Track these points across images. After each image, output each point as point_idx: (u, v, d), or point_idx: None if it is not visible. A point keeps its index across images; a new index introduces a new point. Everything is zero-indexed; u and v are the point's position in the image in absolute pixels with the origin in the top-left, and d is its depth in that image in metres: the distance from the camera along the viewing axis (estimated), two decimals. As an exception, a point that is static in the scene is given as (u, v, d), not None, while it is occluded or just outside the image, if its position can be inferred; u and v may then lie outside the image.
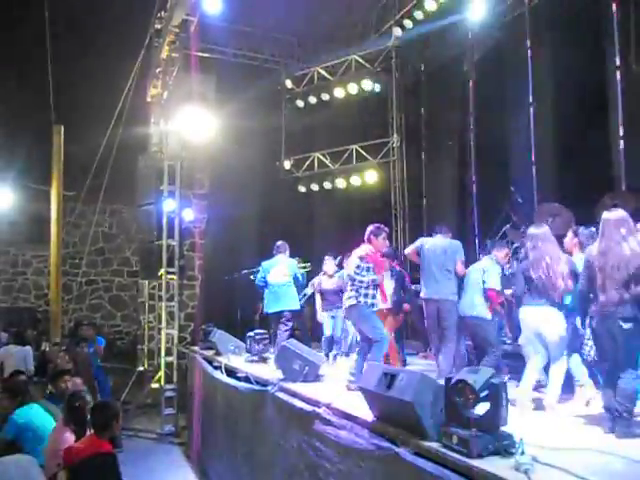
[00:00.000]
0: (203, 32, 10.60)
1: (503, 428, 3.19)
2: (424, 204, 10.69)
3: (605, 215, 3.95)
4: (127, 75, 10.62)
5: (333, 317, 7.42)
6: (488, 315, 5.22)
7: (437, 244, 5.60)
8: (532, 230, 4.56)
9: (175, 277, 9.33)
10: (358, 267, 5.33)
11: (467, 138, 9.70)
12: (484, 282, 5.17)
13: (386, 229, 5.54)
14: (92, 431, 4.10)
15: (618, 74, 7.23)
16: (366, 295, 5.30)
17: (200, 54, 10.58)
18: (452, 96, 10.18)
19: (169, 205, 9.34)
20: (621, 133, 7.13)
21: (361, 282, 5.26)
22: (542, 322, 4.38)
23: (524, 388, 4.51)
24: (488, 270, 5.23)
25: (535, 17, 8.48)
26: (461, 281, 5.45)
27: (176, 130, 9.68)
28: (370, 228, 5.54)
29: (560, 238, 5.44)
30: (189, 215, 10.84)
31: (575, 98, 7.71)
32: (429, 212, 10.37)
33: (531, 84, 8.50)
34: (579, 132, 7.61)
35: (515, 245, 6.46)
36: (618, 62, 7.24)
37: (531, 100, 8.49)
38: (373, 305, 5.33)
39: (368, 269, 5.34)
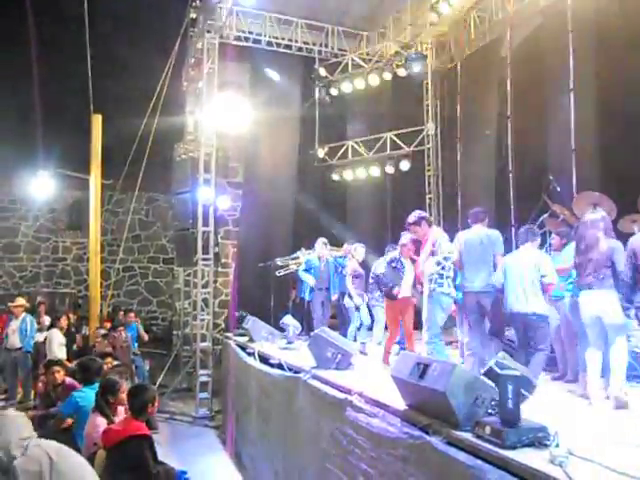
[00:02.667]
0: (238, 20, 10.65)
1: (538, 420, 3.15)
2: (459, 193, 10.54)
3: None
4: (164, 64, 10.78)
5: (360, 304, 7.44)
6: (547, 312, 5.04)
7: (474, 236, 5.49)
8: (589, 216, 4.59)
9: (210, 264, 9.48)
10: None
11: (504, 125, 9.50)
12: (543, 276, 4.93)
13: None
14: (129, 413, 4.23)
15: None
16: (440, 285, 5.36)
17: (235, 42, 10.63)
18: (489, 82, 9.96)
19: (204, 193, 9.46)
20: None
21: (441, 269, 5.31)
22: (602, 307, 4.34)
23: (596, 379, 4.45)
24: (541, 264, 5.00)
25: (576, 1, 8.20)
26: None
27: (211, 119, 9.77)
28: (417, 215, 5.65)
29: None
30: (224, 203, 10.97)
31: (618, 83, 7.45)
32: (464, 201, 10.20)
33: (572, 69, 8.24)
34: (622, 119, 7.36)
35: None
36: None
37: (572, 86, 8.24)
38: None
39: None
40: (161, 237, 16.79)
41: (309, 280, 8.01)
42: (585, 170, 7.89)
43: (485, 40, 10.13)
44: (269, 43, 10.88)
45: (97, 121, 11.31)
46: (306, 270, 8.11)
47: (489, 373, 3.37)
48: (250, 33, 10.74)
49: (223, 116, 10.05)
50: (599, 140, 7.83)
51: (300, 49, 11.14)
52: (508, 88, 9.48)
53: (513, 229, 8.56)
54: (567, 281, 5.28)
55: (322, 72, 11.06)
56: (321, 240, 8.09)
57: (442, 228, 10.35)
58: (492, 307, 5.35)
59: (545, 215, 6.58)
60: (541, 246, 5.69)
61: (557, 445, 2.97)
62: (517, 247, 5.36)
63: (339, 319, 8.21)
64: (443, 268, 5.35)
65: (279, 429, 5.92)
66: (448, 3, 9.45)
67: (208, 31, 9.82)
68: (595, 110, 7.93)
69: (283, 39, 10.98)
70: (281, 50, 10.98)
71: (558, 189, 6.80)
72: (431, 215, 10.70)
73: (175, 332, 12.48)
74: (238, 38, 10.65)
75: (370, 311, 7.59)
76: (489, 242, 5.38)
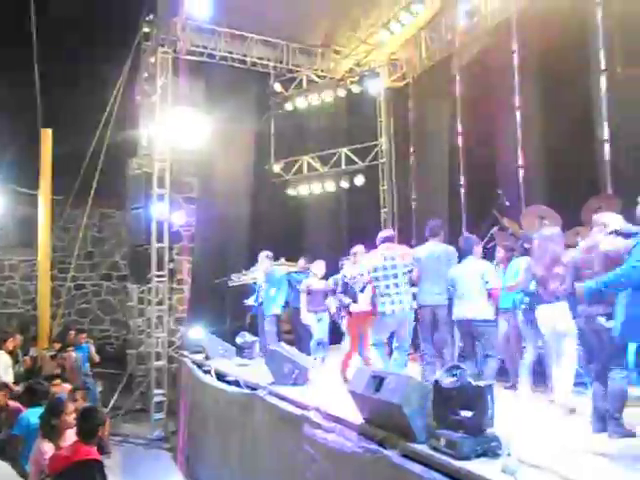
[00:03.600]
0: (192, 35, 10.60)
1: (491, 430, 3.22)
2: (413, 207, 10.72)
3: (595, 216, 4.16)
4: (116, 78, 10.61)
5: (319, 320, 7.41)
6: (493, 317, 5.32)
7: (430, 251, 5.60)
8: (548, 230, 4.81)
9: (164, 281, 9.31)
10: (407, 265, 5.50)
11: (455, 141, 9.75)
12: (487, 283, 5.20)
13: None
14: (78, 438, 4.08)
15: (603, 77, 7.31)
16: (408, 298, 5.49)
17: (189, 57, 10.57)
18: (440, 99, 10.22)
19: (158, 209, 9.34)
20: (606, 136, 7.20)
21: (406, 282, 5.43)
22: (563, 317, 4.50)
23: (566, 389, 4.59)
24: (485, 272, 5.26)
25: (521, 21, 8.55)
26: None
27: (165, 133, 9.67)
28: (389, 231, 6.01)
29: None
30: (178, 219, 10.82)
31: (561, 101, 7.78)
32: (418, 216, 10.39)
33: (517, 87, 8.56)
34: (565, 135, 7.68)
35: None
36: (603, 65, 7.31)
37: (517, 104, 8.55)
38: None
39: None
40: (114, 254, 16.35)
41: (249, 302, 8.00)
42: (532, 185, 8.19)
43: (435, 59, 10.41)
44: (223, 58, 10.86)
45: (47, 136, 11.01)
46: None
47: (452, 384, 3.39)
48: (204, 48, 10.70)
49: (177, 131, 9.96)
50: (544, 156, 8.14)
51: (255, 64, 11.17)
52: (458, 105, 9.75)
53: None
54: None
55: (277, 88, 11.12)
56: (264, 253, 8.01)
57: (397, 242, 10.58)
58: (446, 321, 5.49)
59: (495, 228, 6.77)
60: (487, 258, 5.89)
61: (509, 454, 3.04)
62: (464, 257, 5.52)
63: (295, 335, 8.17)
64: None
65: (236, 448, 5.83)
66: (400, 23, 9.68)
67: (161, 45, 9.74)
68: (540, 127, 8.26)
69: (238, 54, 10.99)
70: (236, 65, 10.98)
71: (507, 203, 7.01)
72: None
73: (129, 351, 12.15)
74: (192, 53, 10.59)
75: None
76: (445, 257, 5.49)
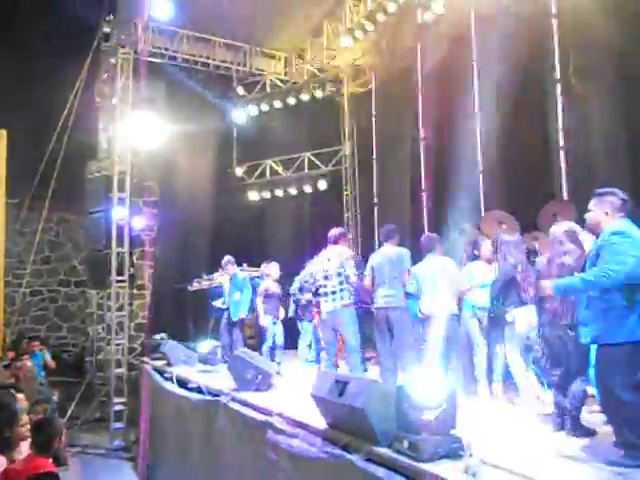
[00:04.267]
0: (154, 37, 10.46)
1: (453, 431, 3.26)
2: (376, 212, 10.83)
3: (552, 228, 4.18)
4: (75, 78, 10.35)
5: (274, 323, 7.39)
6: (457, 311, 5.40)
7: (384, 254, 5.66)
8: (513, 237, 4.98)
9: (125, 286, 9.12)
10: (342, 266, 5.52)
11: (417, 146, 9.90)
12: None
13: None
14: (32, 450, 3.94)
15: (558, 87, 7.54)
16: (350, 296, 5.52)
17: (150, 59, 10.42)
18: (402, 106, 10.37)
19: (119, 213, 9.15)
20: (561, 144, 7.43)
21: (347, 281, 5.45)
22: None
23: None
24: (449, 269, 5.37)
25: (480, 31, 8.76)
26: None
27: (125, 136, 9.49)
28: (339, 230, 5.83)
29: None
30: (139, 223, 10.63)
31: (519, 109, 8.00)
32: (381, 220, 10.49)
33: (477, 96, 8.76)
34: (523, 142, 7.91)
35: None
36: (558, 76, 7.55)
37: (477, 110, 8.75)
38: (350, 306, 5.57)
39: (351, 266, 5.57)
40: (72, 259, 15.90)
41: (218, 305, 7.90)
42: (491, 190, 8.38)
43: (398, 66, 10.54)
44: (185, 60, 10.75)
45: (2, 137, 10.65)
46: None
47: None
48: (166, 50, 10.57)
49: (138, 134, 9.79)
50: (503, 162, 8.35)
51: (218, 67, 11.10)
52: (420, 112, 9.90)
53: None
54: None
55: (240, 91, 11.08)
56: (227, 258, 7.94)
57: (360, 246, 10.67)
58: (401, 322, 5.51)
59: (457, 233, 6.89)
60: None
61: (471, 455, 3.08)
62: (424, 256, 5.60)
63: (257, 339, 8.12)
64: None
65: (198, 455, 5.75)
66: (363, 29, 9.78)
67: (122, 46, 9.57)
68: (498, 134, 8.47)
69: (201, 57, 10.89)
70: (198, 68, 10.88)
71: (467, 208, 7.16)
72: (350, 234, 10.93)
73: (88, 359, 11.84)
74: (153, 54, 10.44)
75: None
76: (398, 260, 5.54)
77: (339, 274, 5.54)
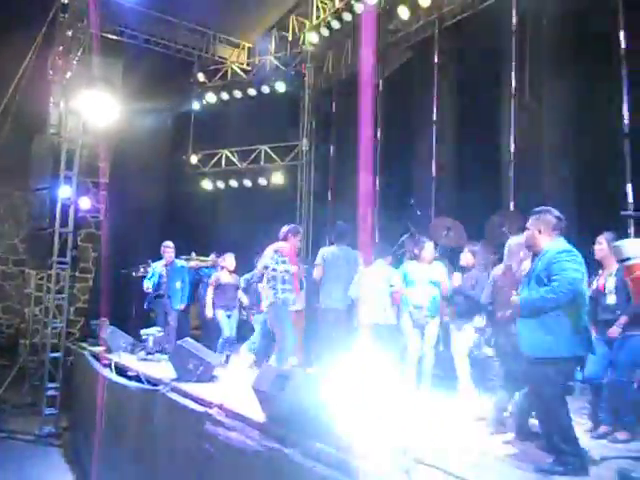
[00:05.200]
0: (114, 13, 10.13)
1: (388, 430, 3.33)
2: (329, 210, 10.87)
3: (510, 240, 4.31)
4: (28, 49, 9.90)
5: (229, 316, 7.33)
6: (395, 321, 5.39)
7: (335, 254, 5.70)
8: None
9: (66, 268, 8.82)
10: (272, 258, 5.48)
11: (374, 147, 9.99)
12: (391, 286, 5.32)
13: (301, 230, 5.73)
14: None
15: (513, 102, 7.78)
16: (283, 291, 5.43)
17: (108, 36, 10.10)
18: (362, 105, 10.42)
19: (65, 192, 8.84)
20: (512, 157, 7.67)
21: (274, 274, 5.39)
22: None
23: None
24: (391, 277, 5.40)
25: (443, 40, 8.93)
26: None
27: (77, 113, 9.16)
28: (288, 227, 5.73)
29: (452, 251, 5.81)
30: (86, 204, 10.30)
31: (474, 119, 8.23)
32: (334, 218, 10.53)
33: (435, 103, 8.93)
34: (476, 152, 8.14)
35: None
36: (514, 91, 7.78)
37: (435, 118, 8.91)
38: (286, 301, 5.45)
39: (284, 261, 5.49)
40: (13, 236, 15.23)
41: (145, 286, 7.68)
42: (443, 197, 8.57)
43: (360, 66, 10.59)
44: (146, 41, 10.48)
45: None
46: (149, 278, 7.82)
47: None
48: (126, 28, 10.27)
49: (91, 112, 9.46)
50: (455, 170, 8.56)
51: (179, 51, 10.88)
52: (379, 114, 9.99)
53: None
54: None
55: (200, 77, 10.90)
56: (163, 244, 7.79)
57: (312, 243, 10.69)
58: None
59: (405, 236, 6.98)
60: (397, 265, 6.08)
61: (405, 453, 3.15)
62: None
63: (203, 331, 8.02)
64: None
65: (134, 446, 5.62)
66: (329, 27, 9.81)
67: (80, 20, 9.22)
68: (452, 142, 8.68)
69: (162, 39, 10.64)
70: (159, 50, 10.62)
71: (418, 212, 7.28)
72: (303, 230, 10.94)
73: (22, 341, 11.40)
74: (113, 31, 10.13)
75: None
76: (348, 261, 5.59)
77: (274, 270, 5.50)
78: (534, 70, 7.61)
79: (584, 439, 3.72)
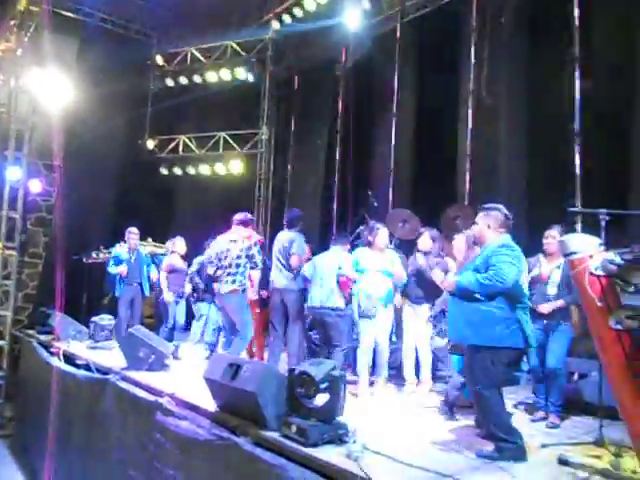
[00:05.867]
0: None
1: (340, 418, 3.36)
2: (287, 200, 10.83)
3: (468, 232, 4.43)
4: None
5: (177, 302, 7.24)
6: (343, 305, 5.33)
7: (280, 238, 5.69)
8: None
9: (14, 253, 8.52)
10: (249, 248, 5.42)
11: (334, 139, 10.01)
12: (339, 268, 5.28)
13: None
14: None
15: (470, 98, 7.91)
16: (242, 281, 5.40)
17: (63, 12, 9.73)
18: (323, 97, 10.44)
19: (13, 173, 8.53)
20: (468, 152, 7.81)
21: (239, 261, 5.36)
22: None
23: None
24: (342, 263, 5.35)
25: (405, 33, 8.99)
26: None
27: (28, 92, 8.81)
28: (244, 215, 5.68)
29: (408, 242, 5.88)
30: (36, 186, 9.95)
31: (433, 113, 8.34)
32: (291, 207, 10.50)
33: (396, 96, 8.99)
34: (434, 145, 8.27)
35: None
36: (472, 87, 7.92)
37: (394, 111, 8.98)
38: (245, 291, 5.46)
39: (259, 252, 5.50)
40: (-44, 218, 14.61)
41: (120, 270, 7.41)
42: (400, 189, 8.66)
43: (322, 57, 10.57)
44: (103, 20, 10.14)
45: None
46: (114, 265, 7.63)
47: (302, 374, 3.47)
48: (82, 5, 9.91)
49: (43, 91, 9.11)
50: (412, 163, 8.69)
51: (137, 32, 10.58)
52: (340, 105, 10.00)
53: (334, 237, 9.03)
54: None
55: (159, 60, 10.63)
56: (128, 230, 7.62)
57: (269, 232, 10.63)
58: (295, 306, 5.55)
59: (361, 227, 7.02)
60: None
61: (354, 441, 3.20)
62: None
63: (156, 318, 7.89)
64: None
65: (82, 436, 5.50)
66: (291, 14, 9.72)
67: (33, -6, 8.85)
68: (411, 136, 8.79)
69: (120, 19, 10.32)
70: (116, 30, 10.30)
71: (375, 204, 7.33)
72: (259, 219, 10.88)
73: (-36, 328, 10.95)
74: (68, 8, 9.75)
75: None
76: (290, 244, 5.55)
77: (238, 257, 5.44)
78: (492, 67, 7.75)
79: (527, 427, 3.87)
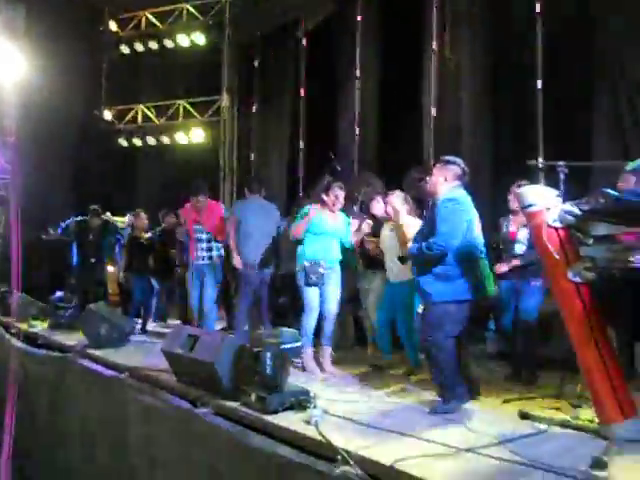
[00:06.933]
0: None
1: (300, 385, 3.32)
2: (252, 167, 10.60)
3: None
4: None
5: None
6: None
7: (251, 207, 5.41)
8: None
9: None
10: None
11: (297, 104, 9.78)
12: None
13: None
14: None
15: (433, 58, 7.77)
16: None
17: (6, -23, 9.19)
18: (285, 61, 10.14)
19: (-34, 151, 8.15)
20: (433, 113, 7.71)
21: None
22: None
23: None
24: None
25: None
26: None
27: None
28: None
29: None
30: (-9, 164, 9.55)
31: (396, 77, 8.18)
32: (257, 174, 10.31)
33: (358, 59, 8.79)
34: (398, 109, 8.12)
35: None
36: (435, 47, 7.77)
37: (358, 74, 8.79)
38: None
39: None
40: None
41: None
42: (365, 153, 8.55)
43: (283, 19, 10.23)
44: (50, -16, 9.63)
45: None
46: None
47: (257, 342, 3.41)
48: (26, -31, 9.38)
49: (-9, 64, 8.64)
50: (377, 128, 8.56)
51: (87, -4, 10.09)
52: (302, 69, 9.75)
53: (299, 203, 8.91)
54: None
55: (112, 26, 10.18)
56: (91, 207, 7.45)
57: (234, 201, 10.41)
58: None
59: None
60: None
61: (315, 407, 3.15)
62: None
63: (122, 296, 7.72)
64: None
65: (46, 416, 5.39)
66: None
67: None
68: (375, 99, 8.63)
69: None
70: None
71: (339, 168, 7.19)
72: (223, 188, 10.66)
73: None
74: (10, -28, 9.22)
75: None
76: (270, 214, 5.41)
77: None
78: (454, 26, 7.61)
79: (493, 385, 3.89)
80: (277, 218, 5.51)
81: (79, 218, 7.59)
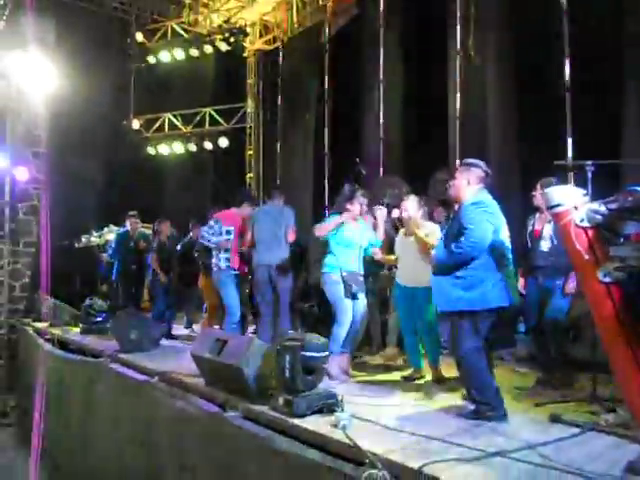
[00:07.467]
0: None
1: (329, 388, 3.32)
2: (279, 173, 10.68)
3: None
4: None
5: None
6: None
7: (267, 212, 5.41)
8: None
9: (4, 242, 8.44)
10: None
11: (323, 108, 9.82)
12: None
13: None
14: None
15: (458, 60, 7.71)
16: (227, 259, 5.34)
17: (37, -8, 9.44)
18: (309, 66, 10.21)
19: (-1, 161, 8.40)
20: (457, 114, 7.64)
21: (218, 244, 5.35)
22: None
23: None
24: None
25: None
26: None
27: (7, 76, 8.61)
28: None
29: (395, 208, 5.75)
30: (22, 174, 9.80)
31: (420, 80, 8.15)
32: (283, 182, 10.38)
33: (382, 63, 8.78)
34: (423, 112, 8.09)
35: None
36: (459, 48, 7.70)
37: (381, 78, 8.78)
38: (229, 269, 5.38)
39: (228, 232, 5.38)
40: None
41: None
42: (391, 157, 8.53)
43: (306, 24, 10.31)
44: (79, -2, 9.87)
45: None
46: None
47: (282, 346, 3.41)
48: (55, -16, 9.64)
49: (23, 75, 8.89)
50: (402, 131, 8.53)
51: (115, 9, 10.29)
52: (327, 73, 9.78)
53: (327, 210, 8.94)
54: None
55: (139, 37, 10.38)
56: (130, 214, 7.58)
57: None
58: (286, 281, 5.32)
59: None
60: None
61: (342, 410, 3.15)
62: None
63: (151, 299, 7.81)
64: None
65: (79, 418, 5.50)
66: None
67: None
68: (399, 103, 8.60)
69: (96, -4, 10.05)
70: (92, 8, 10.03)
71: (364, 172, 7.17)
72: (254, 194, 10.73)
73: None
74: (41, -12, 9.46)
75: None
76: (281, 217, 5.29)
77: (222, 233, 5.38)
78: (479, 28, 7.54)
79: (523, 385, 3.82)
80: (288, 219, 5.31)
81: (120, 230, 7.72)
